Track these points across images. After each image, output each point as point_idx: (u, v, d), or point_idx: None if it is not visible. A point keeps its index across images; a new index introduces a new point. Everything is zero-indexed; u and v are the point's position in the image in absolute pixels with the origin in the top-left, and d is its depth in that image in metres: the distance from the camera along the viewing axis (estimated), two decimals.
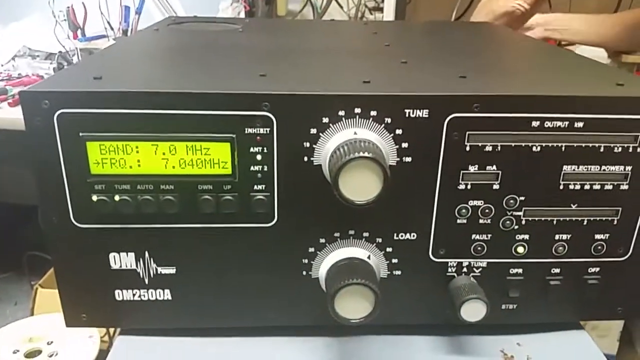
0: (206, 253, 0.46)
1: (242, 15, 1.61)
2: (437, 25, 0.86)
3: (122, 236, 0.45)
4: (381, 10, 1.65)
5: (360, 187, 0.39)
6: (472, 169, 0.44)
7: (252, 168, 0.43)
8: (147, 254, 0.46)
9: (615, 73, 0.51)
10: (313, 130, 0.42)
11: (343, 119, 0.42)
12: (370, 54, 0.59)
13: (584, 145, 0.44)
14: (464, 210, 0.45)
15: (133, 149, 0.42)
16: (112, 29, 1.65)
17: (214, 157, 0.43)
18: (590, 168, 0.44)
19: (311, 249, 0.46)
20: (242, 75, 0.47)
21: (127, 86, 0.42)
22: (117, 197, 0.43)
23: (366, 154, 0.39)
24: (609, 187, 0.45)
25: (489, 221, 0.46)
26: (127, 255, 0.46)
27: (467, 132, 0.43)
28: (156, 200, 0.43)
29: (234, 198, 0.44)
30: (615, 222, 0.46)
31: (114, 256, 0.46)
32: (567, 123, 0.43)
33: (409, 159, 0.43)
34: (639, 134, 0.44)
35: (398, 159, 0.43)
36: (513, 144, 0.43)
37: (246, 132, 0.42)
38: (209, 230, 0.45)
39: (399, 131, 0.43)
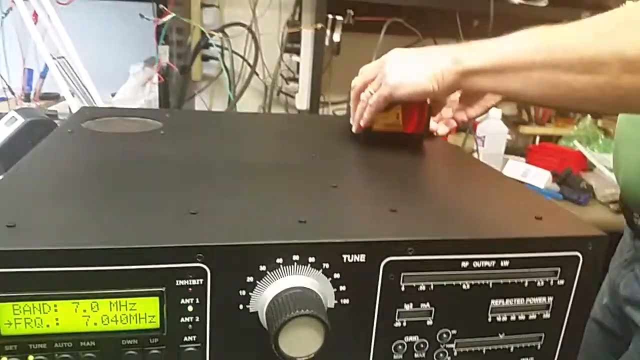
0: None
1: (155, 80, 1.58)
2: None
3: None
4: (296, 80, 1.69)
5: (301, 343, 0.39)
6: (407, 307, 0.45)
7: (182, 320, 0.41)
8: None
9: (534, 204, 0.54)
10: (249, 279, 0.41)
11: (281, 265, 0.41)
12: (300, 173, 0.59)
13: (509, 281, 0.45)
14: (400, 346, 0.45)
15: (51, 307, 0.38)
16: (12, 93, 1.55)
17: (141, 312, 0.40)
18: (516, 301, 0.46)
19: None
20: (172, 214, 0.45)
21: (44, 240, 0.38)
22: (31, 358, 0.39)
23: (307, 311, 0.38)
24: (532, 316, 0.47)
25: (423, 355, 0.46)
26: None
27: (402, 274, 0.43)
28: (75, 359, 0.40)
29: (161, 352, 0.41)
30: (539, 346, 0.49)
31: None
32: (493, 262, 0.45)
33: (346, 301, 0.43)
34: (559, 267, 0.46)
35: (336, 302, 0.43)
36: (445, 283, 0.44)
37: (177, 284, 0.40)
38: None
39: (336, 275, 0.42)
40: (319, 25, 1.52)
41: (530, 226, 0.48)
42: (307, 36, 1.60)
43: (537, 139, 1.69)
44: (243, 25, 1.54)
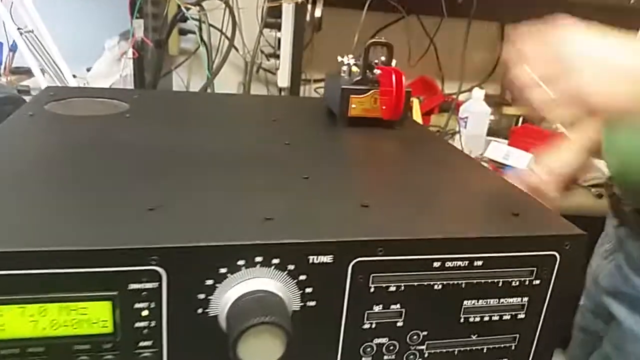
0: None
1: (130, 55, 1.52)
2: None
3: None
4: (277, 57, 1.64)
5: (261, 351, 0.36)
6: (377, 308, 0.43)
7: (137, 324, 0.38)
8: None
9: (511, 198, 0.52)
10: (209, 282, 0.38)
11: (243, 267, 0.39)
12: (272, 163, 0.56)
13: (483, 281, 0.44)
14: (369, 349, 0.44)
15: None
16: None
17: (92, 317, 0.37)
18: (490, 302, 0.45)
19: None
20: (128, 211, 0.42)
21: None
22: None
23: (268, 319, 0.36)
24: (507, 317, 0.46)
25: (393, 356, 0.45)
26: None
27: (371, 275, 0.41)
28: None
29: (115, 357, 0.39)
30: (514, 347, 0.47)
31: None
32: (466, 262, 0.43)
33: (313, 303, 0.41)
34: (535, 267, 0.45)
35: (302, 304, 0.41)
36: (416, 284, 0.43)
37: (130, 288, 0.37)
38: None
39: (302, 277, 0.40)
40: (300, 0, 1.47)
41: (506, 224, 0.46)
42: (287, 11, 1.54)
43: (521, 119, 1.67)
44: None
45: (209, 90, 1.57)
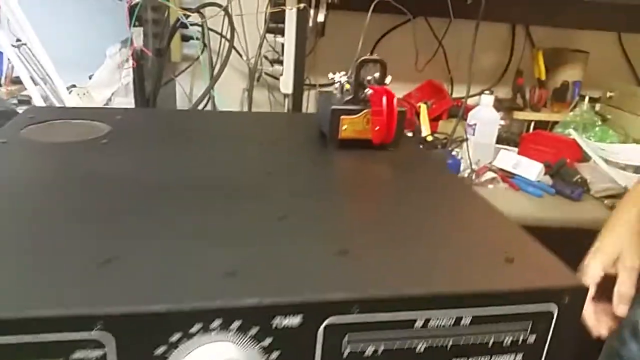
0: None
1: (129, 64, 1.50)
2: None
3: None
4: (280, 63, 1.60)
5: None
6: None
7: None
8: None
9: (505, 239, 0.47)
10: (160, 349, 0.35)
11: (199, 332, 0.35)
12: (247, 198, 0.52)
13: (471, 341, 0.39)
14: None
15: None
16: None
17: None
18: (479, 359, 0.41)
19: None
20: (76, 264, 0.38)
21: None
22: None
23: None
24: None
25: None
26: None
27: (346, 336, 0.37)
28: None
29: None
30: None
31: None
32: (453, 320, 0.39)
33: None
34: (530, 322, 0.40)
35: None
36: (396, 346, 0.38)
37: (74, 356, 0.34)
38: None
39: (267, 341, 0.36)
40: (302, 5, 1.43)
41: (498, 274, 0.41)
42: (290, 16, 1.50)
43: (532, 124, 1.61)
44: (219, 5, 1.44)
45: (212, 92, 1.54)
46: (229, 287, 0.37)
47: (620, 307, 0.67)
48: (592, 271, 0.71)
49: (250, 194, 0.52)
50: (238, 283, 0.37)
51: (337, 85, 0.71)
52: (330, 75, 0.70)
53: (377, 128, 0.65)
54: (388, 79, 0.69)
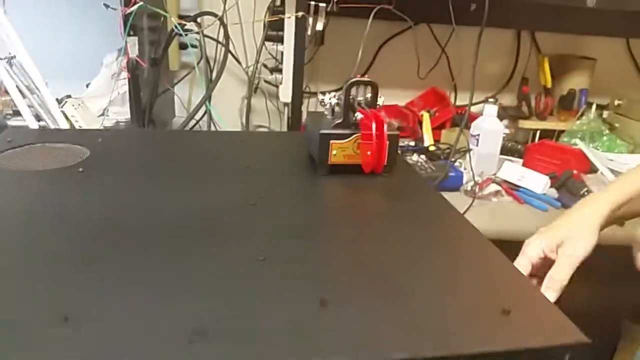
0: None
1: (123, 76, 1.47)
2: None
3: None
4: (280, 71, 1.57)
5: None
6: None
7: None
8: None
9: (502, 287, 0.44)
10: None
11: None
12: (227, 236, 0.48)
13: None
14: None
15: None
16: None
17: None
18: None
19: None
20: (31, 326, 0.35)
21: None
22: None
23: None
24: None
25: None
26: None
27: None
28: None
29: None
30: None
31: None
32: None
33: None
34: None
35: None
36: None
37: None
38: None
39: None
40: (300, 14, 1.39)
41: (493, 330, 0.38)
42: (289, 24, 1.47)
43: (538, 133, 1.57)
44: (214, 15, 1.41)
45: (208, 105, 1.51)
46: (194, 353, 0.33)
47: (549, 292, 0.64)
48: (530, 250, 0.69)
49: (230, 231, 0.49)
50: (204, 350, 0.34)
51: (327, 105, 0.68)
52: (320, 97, 0.67)
53: (369, 153, 0.62)
54: (380, 100, 0.65)
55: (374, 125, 0.57)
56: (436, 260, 0.47)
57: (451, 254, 0.49)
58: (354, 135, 0.62)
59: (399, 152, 0.65)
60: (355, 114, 0.62)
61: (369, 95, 0.65)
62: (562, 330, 0.38)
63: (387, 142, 0.59)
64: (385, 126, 0.58)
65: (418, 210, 0.57)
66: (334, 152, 0.62)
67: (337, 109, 0.66)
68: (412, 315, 0.39)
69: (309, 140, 0.68)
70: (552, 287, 0.65)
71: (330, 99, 0.66)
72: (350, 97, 0.63)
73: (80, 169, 0.60)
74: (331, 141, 0.62)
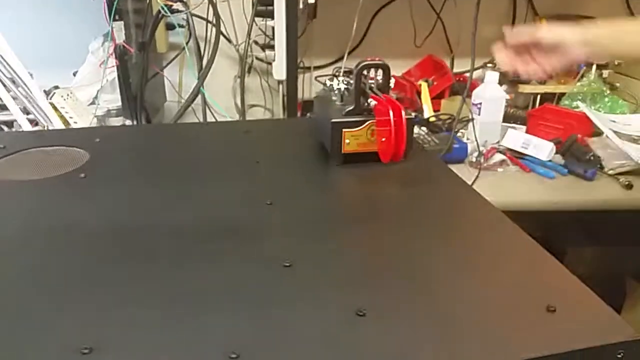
0: None
1: (111, 63, 1.41)
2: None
3: None
4: (272, 47, 1.52)
5: None
6: None
7: None
8: None
9: (543, 280, 0.42)
10: None
11: None
12: (245, 241, 0.46)
13: None
14: None
15: None
16: None
17: None
18: None
19: None
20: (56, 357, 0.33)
21: None
22: None
23: None
24: None
25: None
26: None
27: None
28: None
29: None
30: None
31: None
32: None
33: None
34: None
35: None
36: None
37: None
38: None
39: None
40: None
41: (540, 332, 0.36)
42: None
43: (538, 97, 1.54)
44: None
45: (201, 89, 1.47)
46: None
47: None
48: (532, 29, 0.79)
49: (252, 234, 0.47)
50: None
51: (335, 90, 0.64)
52: (329, 82, 0.64)
53: (384, 139, 0.59)
54: (392, 82, 0.62)
55: (392, 114, 0.55)
56: (471, 256, 0.45)
57: (486, 249, 0.47)
58: (368, 122, 0.60)
59: None
60: (368, 100, 0.59)
61: (379, 77, 0.62)
62: (612, 327, 0.37)
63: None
64: (403, 112, 0.55)
65: (443, 199, 0.55)
66: (347, 141, 0.60)
67: (346, 94, 0.63)
68: (454, 322, 0.37)
69: (318, 128, 0.65)
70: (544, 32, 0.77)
71: (339, 84, 0.63)
72: (362, 82, 0.60)
73: (82, 175, 0.57)
74: (344, 130, 0.59)
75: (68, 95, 1.45)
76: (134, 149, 0.66)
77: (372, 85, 0.61)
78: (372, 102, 0.59)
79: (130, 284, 0.40)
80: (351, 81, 0.62)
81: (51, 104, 1.42)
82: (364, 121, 0.60)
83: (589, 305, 0.39)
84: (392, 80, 0.63)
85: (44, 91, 1.50)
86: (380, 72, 0.61)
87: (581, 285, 0.41)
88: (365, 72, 0.61)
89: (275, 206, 0.51)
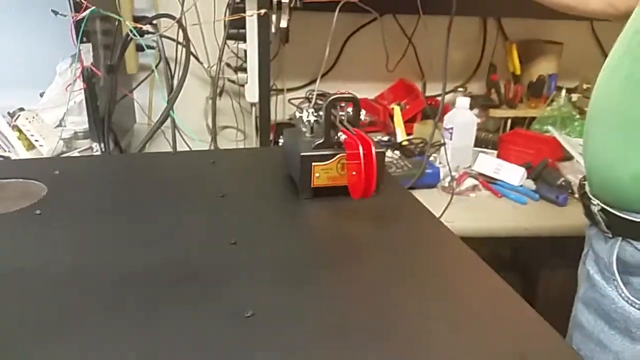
0: None
1: (78, 86, 1.38)
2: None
3: None
4: (244, 70, 1.51)
5: None
6: None
7: None
8: None
9: (515, 326, 0.41)
10: None
11: None
12: (205, 290, 0.43)
13: None
14: None
15: None
16: None
17: None
18: None
19: None
20: None
21: None
22: None
23: None
24: None
25: None
26: None
27: None
28: None
29: None
30: None
31: None
32: None
33: None
34: None
35: None
36: None
37: None
38: None
39: None
40: (262, 11, 1.33)
41: None
42: (251, 22, 1.41)
43: (509, 121, 1.56)
44: (172, 17, 1.34)
45: (171, 113, 1.44)
46: None
47: None
48: None
49: (212, 279, 0.45)
50: None
51: (305, 122, 0.63)
52: (298, 114, 0.63)
53: (354, 173, 0.58)
54: (362, 113, 0.61)
55: (361, 150, 0.53)
56: (443, 300, 0.44)
57: (458, 292, 0.46)
58: (338, 156, 0.58)
59: None
60: (338, 134, 0.58)
61: (349, 110, 0.61)
62: None
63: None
64: (373, 148, 0.54)
65: (414, 238, 0.54)
66: (317, 174, 0.58)
67: (316, 126, 0.61)
68: None
69: (288, 160, 0.63)
70: None
71: (308, 116, 0.61)
72: (332, 114, 0.58)
73: (38, 211, 0.54)
74: (313, 163, 0.58)
75: (33, 117, 1.41)
76: (94, 182, 0.63)
77: (343, 118, 0.60)
78: (342, 136, 0.58)
79: (86, 339, 0.37)
80: (321, 113, 0.61)
81: (15, 126, 1.38)
82: (334, 155, 0.58)
83: (561, 353, 0.38)
84: (363, 112, 0.62)
85: (8, 113, 1.46)
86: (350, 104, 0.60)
87: (554, 333, 0.39)
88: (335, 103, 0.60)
89: (239, 246, 0.49)
